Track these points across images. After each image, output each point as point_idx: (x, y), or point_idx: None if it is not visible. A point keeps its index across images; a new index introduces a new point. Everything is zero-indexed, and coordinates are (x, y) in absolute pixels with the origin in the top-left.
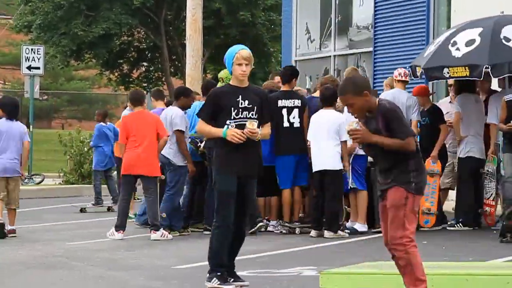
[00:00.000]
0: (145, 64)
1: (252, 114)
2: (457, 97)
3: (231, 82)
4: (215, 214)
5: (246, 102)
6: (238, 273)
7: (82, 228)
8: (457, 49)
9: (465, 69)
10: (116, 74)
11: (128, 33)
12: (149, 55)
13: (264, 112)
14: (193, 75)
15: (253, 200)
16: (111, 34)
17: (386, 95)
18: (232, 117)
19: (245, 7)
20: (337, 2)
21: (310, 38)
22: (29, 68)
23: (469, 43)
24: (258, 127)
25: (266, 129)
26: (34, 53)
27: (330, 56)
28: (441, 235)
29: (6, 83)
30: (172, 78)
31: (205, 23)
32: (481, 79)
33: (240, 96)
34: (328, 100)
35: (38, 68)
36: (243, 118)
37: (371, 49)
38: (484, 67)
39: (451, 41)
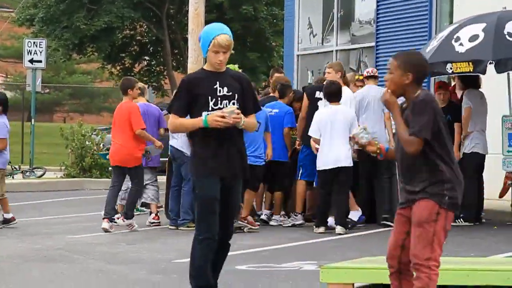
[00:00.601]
0: (147, 58)
1: (233, 104)
2: (464, 93)
3: (205, 67)
4: (196, 224)
5: (225, 89)
6: (238, 267)
7: (83, 221)
8: (461, 44)
9: (469, 65)
10: (118, 68)
11: (130, 27)
12: (151, 49)
13: (247, 101)
14: (195, 69)
15: (238, 204)
16: (113, 27)
17: (358, 93)
18: (210, 108)
19: (247, 2)
20: None
21: (312, 32)
22: (31, 61)
23: (472, 38)
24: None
25: (252, 120)
26: (36, 46)
27: (332, 51)
28: None
29: (8, 76)
30: (174, 72)
31: (208, 17)
32: (485, 74)
33: (218, 83)
34: (335, 95)
35: (40, 61)
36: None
37: (373, 44)
38: (488, 62)
39: (455, 37)
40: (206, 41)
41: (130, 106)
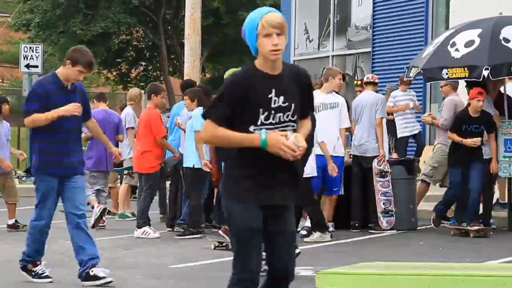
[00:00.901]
0: (143, 63)
1: (288, 116)
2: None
3: (257, 65)
4: (233, 261)
5: (282, 99)
6: None
7: None
8: (456, 50)
9: (464, 70)
10: (115, 73)
11: (127, 32)
12: (147, 54)
13: (304, 103)
14: (192, 74)
15: (295, 231)
16: (109, 33)
17: (357, 97)
18: (259, 122)
19: (244, 7)
20: (335, 2)
21: (308, 38)
22: (27, 66)
23: (468, 44)
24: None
25: (306, 128)
26: (33, 51)
27: (328, 56)
28: (438, 235)
29: (5, 81)
30: (171, 77)
31: (204, 22)
32: (480, 80)
33: (274, 90)
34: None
35: (37, 66)
36: (276, 123)
37: (369, 49)
38: (484, 68)
39: (450, 42)
40: (252, 27)
41: (150, 113)
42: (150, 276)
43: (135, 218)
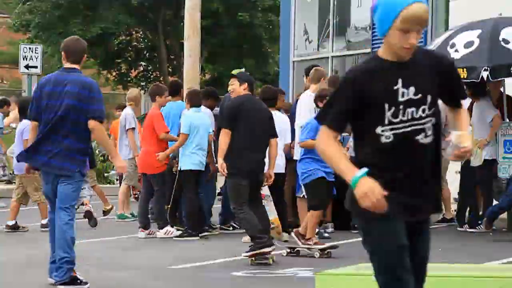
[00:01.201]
0: (143, 63)
1: (425, 110)
2: (481, 100)
3: (381, 54)
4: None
5: (412, 90)
6: (234, 273)
7: (81, 228)
8: (456, 50)
9: (463, 71)
10: (114, 73)
11: (126, 33)
12: (147, 55)
13: (454, 91)
14: (191, 75)
15: (428, 256)
16: (109, 33)
17: None
18: (386, 121)
19: (243, 8)
20: (335, 3)
21: (308, 39)
22: (27, 67)
23: (468, 44)
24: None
25: (465, 121)
26: (32, 52)
27: (328, 57)
28: (437, 236)
29: (4, 81)
30: (170, 77)
31: (203, 23)
32: (479, 80)
33: (400, 81)
34: (270, 100)
35: (36, 67)
36: (409, 120)
37: (369, 50)
38: (483, 69)
39: (450, 43)
40: (390, 12)
41: (152, 113)
42: (152, 278)
43: (135, 219)
